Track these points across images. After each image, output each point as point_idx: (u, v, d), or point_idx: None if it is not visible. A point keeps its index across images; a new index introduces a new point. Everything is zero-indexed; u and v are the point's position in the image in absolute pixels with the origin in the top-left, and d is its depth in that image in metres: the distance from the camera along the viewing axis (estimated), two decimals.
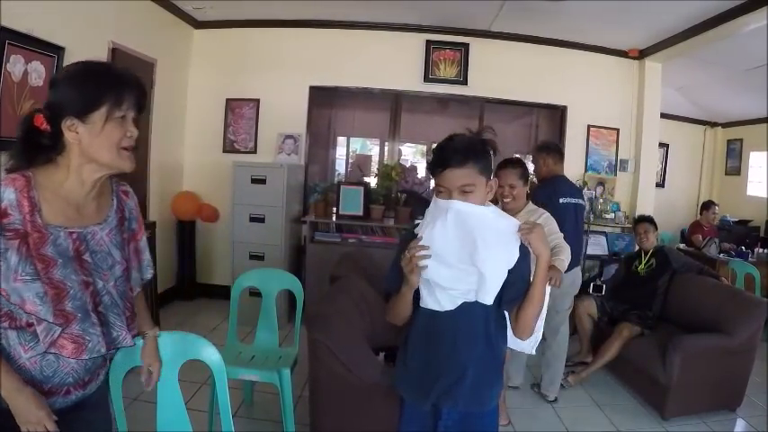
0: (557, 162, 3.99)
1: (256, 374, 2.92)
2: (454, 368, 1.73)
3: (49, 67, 3.44)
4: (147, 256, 1.71)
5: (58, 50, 3.50)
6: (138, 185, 4.80)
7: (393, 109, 5.82)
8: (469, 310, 1.68)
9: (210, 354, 1.95)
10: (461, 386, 1.73)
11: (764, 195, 7.72)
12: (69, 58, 3.59)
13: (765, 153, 7.73)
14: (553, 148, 4.06)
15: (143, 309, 1.80)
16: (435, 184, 1.67)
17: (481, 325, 1.71)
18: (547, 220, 3.17)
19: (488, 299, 1.64)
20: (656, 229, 4.37)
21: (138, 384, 1.73)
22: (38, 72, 3.36)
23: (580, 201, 3.96)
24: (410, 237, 1.72)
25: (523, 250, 1.67)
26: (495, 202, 2.16)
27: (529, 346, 2.00)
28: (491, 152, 1.69)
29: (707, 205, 6.74)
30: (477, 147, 1.64)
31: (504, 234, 1.63)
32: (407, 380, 1.86)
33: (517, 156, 3.42)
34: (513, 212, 3.13)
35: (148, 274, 1.73)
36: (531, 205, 3.27)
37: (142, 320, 1.76)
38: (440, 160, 1.64)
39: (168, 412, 1.92)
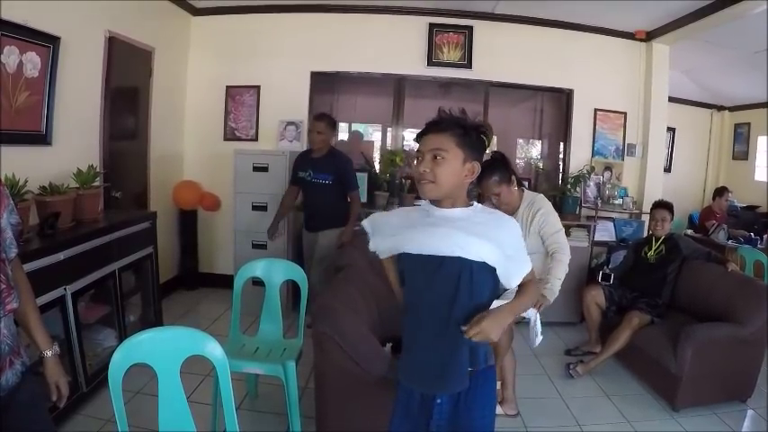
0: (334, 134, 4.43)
1: (261, 368, 2.87)
2: (426, 351, 1.71)
3: (45, 57, 3.36)
4: (8, 234, 1.58)
5: (53, 40, 3.41)
6: (138, 175, 4.78)
7: (396, 94, 5.72)
8: (440, 294, 1.64)
9: (212, 349, 1.92)
10: (435, 369, 1.69)
11: None
12: (65, 48, 3.53)
13: None
14: (333, 119, 4.36)
15: (30, 303, 1.68)
16: (416, 150, 1.71)
17: (448, 308, 1.64)
18: (545, 215, 3.13)
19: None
20: (673, 217, 4.28)
21: (142, 377, 1.71)
22: (33, 63, 3.27)
23: None
24: None
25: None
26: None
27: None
28: (482, 138, 1.68)
29: (720, 191, 6.62)
30: (462, 122, 1.65)
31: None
32: (401, 366, 1.83)
33: (495, 152, 3.27)
34: (512, 213, 3.08)
35: (11, 253, 1.60)
36: (526, 196, 3.22)
37: (36, 332, 1.68)
38: (424, 128, 1.69)
39: (170, 407, 1.88)
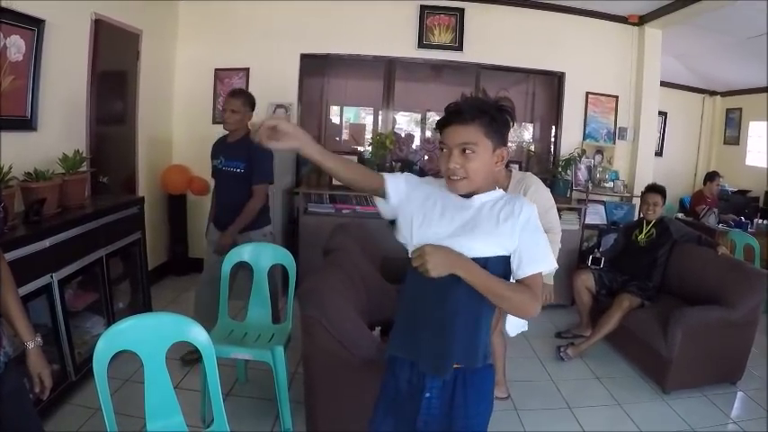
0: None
1: (249, 353, 2.84)
2: (431, 325, 1.58)
3: (29, 40, 3.28)
4: None
5: (38, 23, 3.32)
6: (126, 160, 4.72)
7: (387, 76, 5.67)
8: (449, 280, 1.49)
9: (197, 334, 1.90)
10: (438, 344, 1.57)
11: (764, 165, 7.65)
12: (50, 32, 3.44)
13: (765, 123, 7.63)
14: (251, 97, 3.67)
15: (10, 292, 1.67)
16: (439, 141, 1.58)
17: (456, 285, 1.51)
18: (536, 191, 3.04)
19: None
20: (665, 201, 4.28)
21: (132, 365, 1.70)
22: (17, 46, 3.19)
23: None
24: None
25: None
26: None
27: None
28: (507, 119, 1.58)
29: (711, 176, 6.64)
30: (488, 108, 1.54)
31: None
32: (394, 337, 1.71)
33: None
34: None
35: None
36: (515, 175, 3.13)
37: (18, 322, 1.67)
38: (447, 116, 1.56)
39: (156, 394, 1.86)
